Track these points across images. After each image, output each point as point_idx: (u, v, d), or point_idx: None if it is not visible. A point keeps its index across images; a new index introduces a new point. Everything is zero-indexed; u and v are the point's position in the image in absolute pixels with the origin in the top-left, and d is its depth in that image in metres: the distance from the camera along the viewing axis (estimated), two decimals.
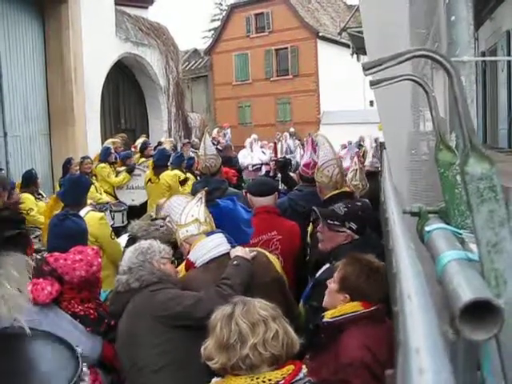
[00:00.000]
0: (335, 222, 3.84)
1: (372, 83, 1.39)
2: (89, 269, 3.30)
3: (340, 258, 3.41)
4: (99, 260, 3.44)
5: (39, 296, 3.15)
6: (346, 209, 3.87)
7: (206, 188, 3.97)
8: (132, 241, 4.57)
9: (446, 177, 1.45)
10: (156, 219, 4.30)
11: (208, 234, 3.49)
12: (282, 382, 2.09)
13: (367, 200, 5.30)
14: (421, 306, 0.77)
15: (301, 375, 2.16)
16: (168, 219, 3.66)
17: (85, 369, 1.78)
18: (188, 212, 3.55)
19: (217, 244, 3.40)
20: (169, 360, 3.04)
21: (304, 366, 2.24)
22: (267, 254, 3.82)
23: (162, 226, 4.53)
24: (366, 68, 1.14)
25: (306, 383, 2.17)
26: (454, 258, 1.09)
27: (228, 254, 3.38)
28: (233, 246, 3.47)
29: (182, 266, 3.62)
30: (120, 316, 3.19)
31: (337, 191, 5.08)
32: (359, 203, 4.15)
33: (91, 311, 3.35)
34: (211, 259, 3.35)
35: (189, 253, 3.47)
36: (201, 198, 3.60)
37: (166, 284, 3.17)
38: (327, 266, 3.75)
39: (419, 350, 0.61)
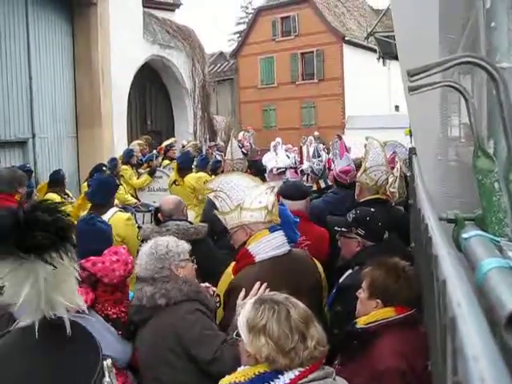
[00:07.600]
0: (342, 229, 3.89)
1: (411, 89, 1.38)
2: (126, 267, 3.35)
3: (361, 264, 3.43)
4: (132, 258, 3.47)
5: None
6: (354, 215, 3.88)
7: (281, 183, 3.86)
8: None
9: (483, 184, 1.44)
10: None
11: (271, 229, 3.29)
12: (303, 369, 2.06)
13: (401, 207, 5.27)
14: (471, 313, 0.77)
15: (320, 373, 2.11)
16: (215, 194, 3.39)
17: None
18: (256, 197, 3.32)
19: (281, 242, 3.24)
20: (191, 380, 2.98)
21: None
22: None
23: (177, 226, 4.51)
24: (412, 74, 1.14)
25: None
26: (495, 266, 1.08)
27: (286, 254, 3.25)
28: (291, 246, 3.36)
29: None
30: (141, 325, 3.15)
31: (374, 196, 5.08)
32: (371, 210, 4.05)
33: (123, 314, 3.37)
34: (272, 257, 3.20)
35: (245, 242, 3.28)
36: (273, 188, 3.39)
37: (194, 304, 3.07)
38: (349, 271, 3.76)
39: (478, 359, 0.61)
